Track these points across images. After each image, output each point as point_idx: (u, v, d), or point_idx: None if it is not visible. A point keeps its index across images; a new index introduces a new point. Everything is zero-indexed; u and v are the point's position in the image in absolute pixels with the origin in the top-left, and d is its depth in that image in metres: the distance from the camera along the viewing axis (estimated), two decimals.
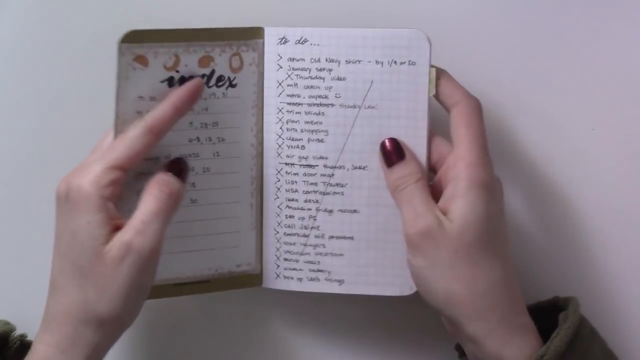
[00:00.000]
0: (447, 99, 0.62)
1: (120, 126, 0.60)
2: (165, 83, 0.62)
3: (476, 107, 0.61)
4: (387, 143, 0.63)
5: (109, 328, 0.57)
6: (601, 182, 0.69)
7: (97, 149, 0.61)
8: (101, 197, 0.56)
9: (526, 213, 0.69)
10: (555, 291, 0.64)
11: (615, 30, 0.69)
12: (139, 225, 0.56)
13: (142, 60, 0.62)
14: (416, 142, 0.62)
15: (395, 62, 0.62)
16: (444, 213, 0.58)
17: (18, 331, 0.65)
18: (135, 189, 0.60)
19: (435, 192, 0.60)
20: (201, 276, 0.66)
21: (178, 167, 0.61)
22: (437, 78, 0.62)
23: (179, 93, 0.61)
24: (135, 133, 0.58)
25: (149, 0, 0.69)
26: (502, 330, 0.57)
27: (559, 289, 0.67)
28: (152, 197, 0.58)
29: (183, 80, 0.62)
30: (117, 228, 0.57)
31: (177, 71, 0.62)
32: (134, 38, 0.61)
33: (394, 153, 0.62)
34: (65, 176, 0.58)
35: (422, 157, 0.62)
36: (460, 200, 0.58)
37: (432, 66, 0.62)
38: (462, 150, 0.59)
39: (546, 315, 0.60)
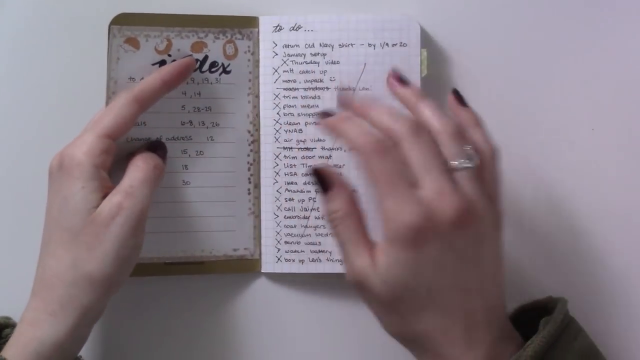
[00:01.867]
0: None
1: None
2: (157, 66, 0.65)
3: (372, 149, 0.54)
4: (318, 170, 0.58)
5: (99, 288, 0.57)
6: (601, 182, 0.69)
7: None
8: (94, 165, 0.58)
9: (526, 213, 0.69)
10: (554, 291, 0.63)
11: (615, 30, 0.70)
12: (128, 188, 0.58)
13: (133, 42, 0.64)
14: None
15: (387, 44, 0.65)
16: (371, 263, 0.56)
17: None
18: (125, 167, 0.62)
19: None
20: (193, 257, 0.67)
21: (156, 148, 0.64)
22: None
23: (168, 68, 0.63)
24: (121, 102, 0.61)
25: None
26: None
27: (557, 289, 0.66)
28: (138, 167, 0.60)
29: None
30: (107, 195, 0.59)
31: (169, 55, 0.65)
32: (125, 20, 0.64)
33: (323, 181, 0.58)
34: (58, 152, 0.60)
35: None
36: (381, 256, 0.54)
37: (423, 49, 0.65)
38: (378, 204, 0.55)
39: (543, 315, 0.57)
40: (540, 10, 0.70)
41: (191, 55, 0.65)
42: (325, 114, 0.58)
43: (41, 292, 0.58)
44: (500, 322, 0.56)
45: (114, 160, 0.62)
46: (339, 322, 0.69)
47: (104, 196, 0.58)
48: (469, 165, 0.56)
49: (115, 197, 0.58)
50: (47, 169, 0.60)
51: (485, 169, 0.56)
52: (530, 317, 0.58)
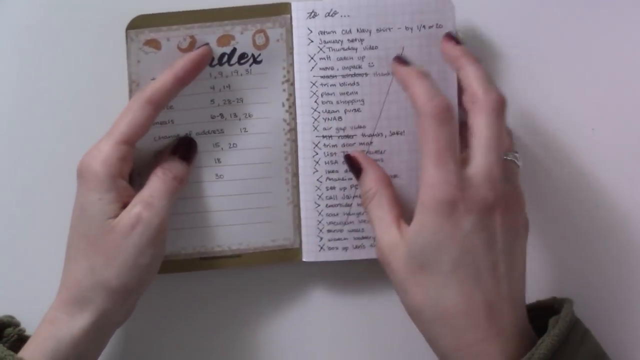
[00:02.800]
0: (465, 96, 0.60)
1: None
2: None
3: (434, 115, 0.56)
4: (348, 157, 0.65)
5: (116, 295, 0.58)
6: (601, 182, 0.69)
7: None
8: (111, 176, 0.59)
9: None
10: (555, 291, 0.65)
11: (616, 29, 0.70)
12: (148, 199, 0.59)
13: (153, 44, 0.63)
14: None
15: (424, 27, 0.64)
16: (401, 233, 0.58)
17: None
18: (151, 167, 0.62)
19: None
20: (230, 251, 0.66)
21: (183, 149, 0.64)
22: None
23: (180, 63, 0.62)
24: (135, 106, 0.60)
25: None
26: (457, 358, 0.56)
27: (558, 289, 0.69)
28: (158, 178, 0.61)
29: None
30: (127, 205, 0.60)
31: None
32: (142, 23, 0.63)
33: (354, 166, 0.64)
34: (83, 155, 0.60)
35: (456, 118, 0.63)
36: (413, 222, 0.57)
37: (458, 30, 0.64)
38: (422, 169, 0.56)
39: (544, 315, 0.58)
40: (539, 9, 0.70)
41: (207, 44, 0.63)
42: (401, 61, 0.61)
43: (62, 293, 0.59)
44: (520, 315, 0.57)
45: (139, 161, 0.63)
46: (378, 312, 0.70)
47: (124, 205, 0.59)
48: (518, 163, 0.60)
49: (135, 208, 0.59)
50: (67, 173, 0.61)
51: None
52: (532, 317, 0.59)
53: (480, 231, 0.55)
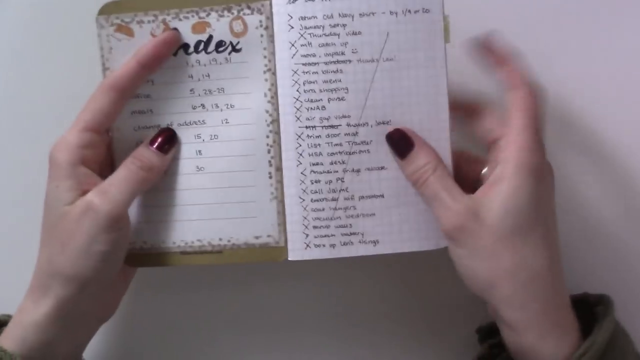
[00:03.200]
0: (505, 78, 0.61)
1: None
2: None
3: (535, 94, 0.60)
4: (393, 134, 0.61)
5: (73, 284, 0.58)
6: (601, 182, 0.69)
7: None
8: (70, 163, 0.58)
9: None
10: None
11: (616, 29, 0.70)
12: (105, 186, 0.59)
13: (125, 30, 0.61)
14: (437, 91, 0.61)
15: (409, 11, 0.61)
16: (485, 196, 0.58)
17: None
18: None
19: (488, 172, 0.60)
20: (211, 246, 0.64)
21: (160, 140, 0.62)
22: (500, 65, 0.61)
23: (144, 49, 0.61)
24: (98, 92, 0.60)
25: None
26: (541, 323, 0.56)
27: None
28: (124, 166, 0.61)
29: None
30: (87, 192, 0.59)
31: None
32: (114, 9, 0.61)
33: (402, 143, 0.61)
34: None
35: (444, 105, 0.61)
36: (504, 184, 0.57)
37: (447, 15, 0.61)
38: (514, 134, 0.58)
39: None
40: (539, 10, 0.69)
41: (175, 29, 0.61)
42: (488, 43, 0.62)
43: (31, 281, 0.60)
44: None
45: (120, 152, 0.62)
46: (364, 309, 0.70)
47: (82, 193, 0.59)
48: None
49: (89, 195, 0.58)
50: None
51: None
52: None
53: (552, 197, 0.60)
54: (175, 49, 0.62)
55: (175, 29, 0.61)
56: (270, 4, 0.62)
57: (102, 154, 0.61)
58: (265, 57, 0.62)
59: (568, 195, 0.69)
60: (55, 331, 0.58)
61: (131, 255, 0.63)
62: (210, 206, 0.63)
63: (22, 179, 0.70)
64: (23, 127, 0.70)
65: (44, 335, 0.58)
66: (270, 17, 0.62)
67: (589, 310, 0.60)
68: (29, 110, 0.70)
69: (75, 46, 0.69)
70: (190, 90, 0.62)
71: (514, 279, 0.56)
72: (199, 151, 0.63)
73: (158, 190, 0.63)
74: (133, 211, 0.62)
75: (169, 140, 0.62)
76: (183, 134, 0.63)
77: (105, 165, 0.62)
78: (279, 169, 0.63)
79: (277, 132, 0.63)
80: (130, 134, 0.63)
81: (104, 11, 0.61)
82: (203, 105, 0.62)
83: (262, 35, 0.62)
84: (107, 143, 0.63)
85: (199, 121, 0.63)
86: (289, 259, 0.63)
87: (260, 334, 0.71)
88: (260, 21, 0.62)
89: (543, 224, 0.57)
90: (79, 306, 0.59)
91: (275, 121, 0.62)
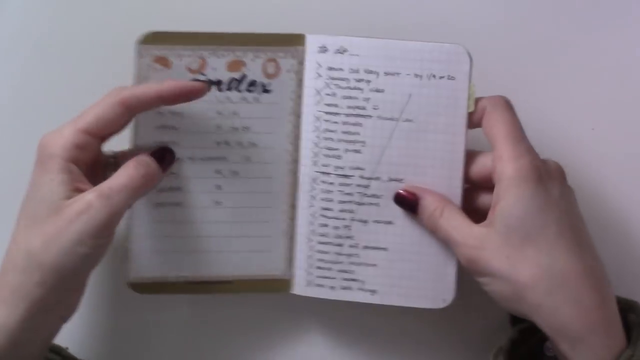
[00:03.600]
0: (478, 115, 0.61)
1: (138, 125, 0.63)
2: None
3: (500, 104, 0.60)
4: (398, 195, 0.63)
5: (49, 279, 0.56)
6: (601, 182, 0.68)
7: None
8: (64, 159, 0.57)
9: None
10: None
11: (615, 29, 0.69)
12: (106, 190, 0.57)
13: (163, 61, 0.63)
14: (453, 157, 0.62)
15: (434, 76, 0.62)
16: (489, 221, 0.58)
17: None
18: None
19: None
20: (222, 276, 0.66)
21: (161, 155, 0.62)
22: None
23: (171, 86, 0.60)
24: (107, 101, 0.59)
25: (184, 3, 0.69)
26: (576, 328, 0.56)
27: None
28: (126, 172, 0.59)
29: (210, 83, 0.63)
30: (79, 190, 0.57)
31: (204, 74, 0.63)
32: (154, 40, 0.63)
33: (409, 201, 0.63)
34: (43, 135, 0.59)
35: (459, 172, 0.62)
36: (501, 202, 0.57)
37: (472, 84, 0.62)
38: (497, 151, 0.59)
39: None
40: (540, 10, 0.69)
41: (207, 84, 0.63)
42: None
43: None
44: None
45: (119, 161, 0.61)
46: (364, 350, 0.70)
47: (74, 189, 0.57)
48: None
49: (88, 195, 0.56)
50: None
51: None
52: None
53: (565, 197, 0.58)
54: (197, 98, 0.61)
55: (208, 82, 0.63)
56: (304, 51, 0.64)
57: (92, 158, 0.60)
58: (292, 100, 0.64)
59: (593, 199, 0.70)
60: (26, 334, 0.56)
61: (141, 284, 0.65)
62: (225, 239, 0.65)
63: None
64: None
65: (14, 338, 0.56)
66: (302, 63, 0.64)
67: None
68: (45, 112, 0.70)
69: (89, 64, 0.70)
70: (217, 127, 0.64)
71: (538, 288, 0.56)
72: (219, 186, 0.64)
73: (174, 222, 0.64)
74: (146, 241, 0.64)
75: (170, 160, 0.63)
76: (204, 168, 0.64)
77: (91, 171, 0.60)
78: (293, 206, 0.65)
79: (295, 172, 0.65)
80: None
81: (144, 40, 0.62)
82: (227, 142, 0.64)
83: (292, 79, 0.64)
84: (98, 150, 0.61)
85: (221, 157, 0.64)
86: (292, 292, 0.66)
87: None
88: (292, 65, 0.64)
89: (555, 224, 0.56)
90: (49, 304, 0.57)
91: (295, 162, 0.65)
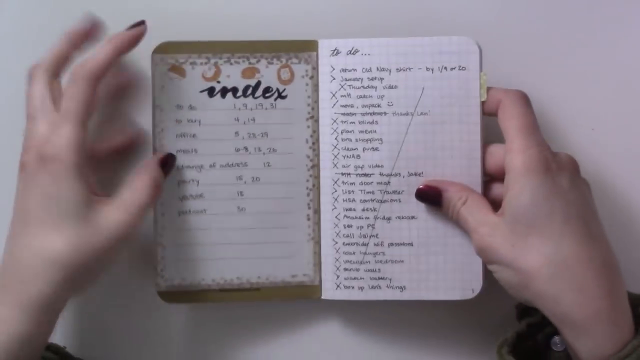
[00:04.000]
0: (492, 105, 0.62)
1: (158, 134, 0.65)
2: (206, 93, 0.65)
3: (517, 98, 0.61)
4: (420, 191, 0.64)
5: (72, 282, 0.56)
6: (601, 182, 0.68)
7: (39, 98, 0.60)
8: (80, 164, 0.57)
9: None
10: None
11: (615, 30, 0.69)
12: (130, 206, 0.59)
13: (178, 70, 0.65)
14: (470, 147, 0.63)
15: (445, 68, 0.63)
16: (500, 211, 0.59)
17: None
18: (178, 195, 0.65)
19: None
20: (249, 284, 0.66)
21: (165, 161, 0.64)
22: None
23: (120, 37, 0.61)
24: (83, 83, 0.58)
25: (198, 12, 0.69)
26: (578, 317, 0.56)
27: None
28: (144, 187, 0.60)
29: (225, 90, 0.65)
30: (94, 193, 0.59)
31: (219, 82, 0.65)
32: (169, 49, 0.65)
33: (432, 195, 0.63)
34: (29, 144, 0.58)
35: (477, 161, 0.63)
36: (509, 192, 0.58)
37: (483, 73, 0.63)
38: (509, 143, 0.59)
39: None
40: (539, 10, 0.69)
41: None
42: None
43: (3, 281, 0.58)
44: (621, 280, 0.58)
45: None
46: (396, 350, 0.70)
47: (91, 193, 0.58)
48: None
49: (115, 212, 0.58)
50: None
51: None
52: None
53: (575, 188, 0.58)
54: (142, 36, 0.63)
55: (143, 22, 0.63)
56: (317, 56, 0.65)
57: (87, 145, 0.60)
58: (309, 105, 0.65)
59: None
60: (40, 337, 0.57)
61: (170, 293, 0.66)
62: (250, 245, 0.66)
63: None
64: None
65: (28, 343, 0.56)
66: (316, 68, 0.65)
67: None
68: None
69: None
70: (235, 133, 0.65)
71: (541, 276, 0.56)
72: (240, 192, 0.66)
73: (199, 229, 0.65)
74: (172, 249, 0.65)
75: (172, 164, 0.65)
76: (225, 175, 0.65)
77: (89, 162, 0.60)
78: (317, 211, 0.66)
79: (317, 177, 0.66)
80: (172, 173, 0.65)
81: (159, 50, 0.65)
82: (246, 148, 0.65)
83: (307, 84, 0.65)
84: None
85: (241, 163, 0.65)
86: (322, 297, 0.66)
87: None
88: (307, 70, 0.65)
89: (560, 213, 0.57)
90: (62, 304, 0.58)
91: (316, 166, 0.66)
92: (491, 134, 0.64)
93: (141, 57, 0.65)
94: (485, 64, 0.64)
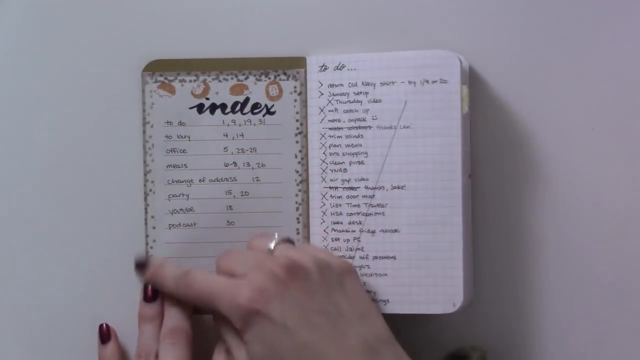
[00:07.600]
0: None
1: (148, 150, 0.66)
2: (195, 109, 0.66)
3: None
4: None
5: None
6: (601, 182, 0.67)
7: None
8: None
9: (526, 213, 0.67)
10: (550, 292, 0.67)
11: (615, 30, 0.68)
12: None
13: (168, 88, 0.67)
14: (451, 159, 0.63)
15: (427, 81, 0.63)
16: None
17: None
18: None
19: None
20: None
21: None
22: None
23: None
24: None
25: (186, 30, 0.70)
26: None
27: (550, 289, 0.68)
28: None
29: (214, 107, 0.66)
30: None
31: (207, 98, 0.66)
32: (158, 67, 0.67)
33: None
34: None
35: (458, 174, 0.63)
36: None
37: (465, 86, 0.63)
38: None
39: None
40: (539, 10, 0.68)
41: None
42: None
43: None
44: (394, 350, 0.57)
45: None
46: None
47: None
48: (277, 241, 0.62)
49: None
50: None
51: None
52: None
53: (295, 308, 0.56)
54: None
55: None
56: (305, 72, 0.67)
57: None
58: (297, 120, 0.67)
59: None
60: None
61: None
62: None
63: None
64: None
65: None
66: (304, 84, 0.66)
67: None
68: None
69: (94, 92, 0.70)
70: (224, 149, 0.67)
71: None
72: (230, 206, 0.67)
73: (189, 242, 0.67)
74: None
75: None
76: (214, 190, 0.67)
77: None
78: (306, 226, 0.67)
79: (306, 191, 0.67)
80: (163, 188, 0.67)
81: (149, 68, 0.67)
82: (235, 163, 0.67)
83: (295, 100, 0.67)
84: None
85: (230, 178, 0.67)
86: None
87: None
88: (295, 87, 0.67)
89: (306, 344, 0.55)
90: None
91: (305, 181, 0.67)
92: (478, 147, 0.64)
93: (131, 75, 0.67)
94: (486, 64, 0.65)
